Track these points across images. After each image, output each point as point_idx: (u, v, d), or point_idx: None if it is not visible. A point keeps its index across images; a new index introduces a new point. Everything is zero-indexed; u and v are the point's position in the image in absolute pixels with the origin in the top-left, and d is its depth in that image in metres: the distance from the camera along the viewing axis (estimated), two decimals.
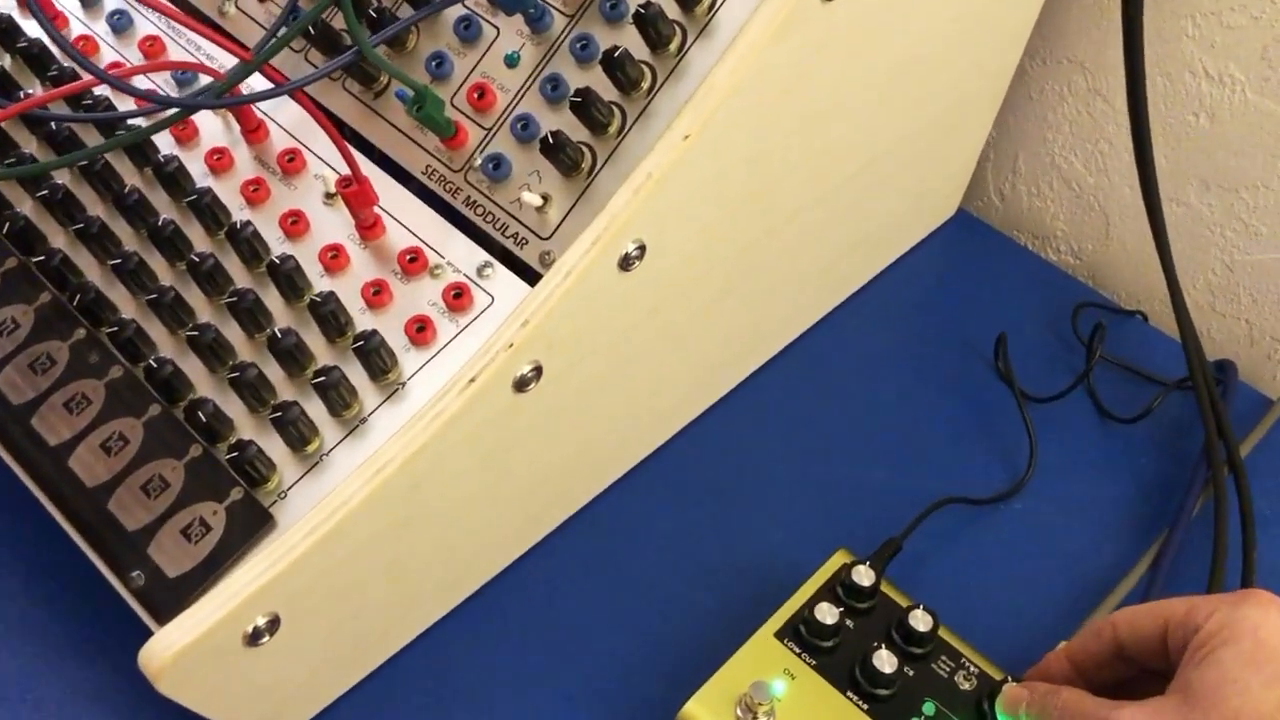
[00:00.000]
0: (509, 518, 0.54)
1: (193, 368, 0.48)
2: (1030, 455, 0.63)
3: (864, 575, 0.51)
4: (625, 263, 0.47)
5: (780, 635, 0.50)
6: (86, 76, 0.51)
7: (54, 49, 0.55)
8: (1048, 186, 0.77)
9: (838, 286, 0.69)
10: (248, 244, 0.49)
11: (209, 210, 0.50)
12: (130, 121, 0.52)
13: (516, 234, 0.49)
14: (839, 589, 0.51)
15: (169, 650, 0.40)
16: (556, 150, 0.47)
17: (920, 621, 0.49)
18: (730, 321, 0.59)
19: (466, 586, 0.55)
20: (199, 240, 0.50)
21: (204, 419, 0.45)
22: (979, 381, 0.68)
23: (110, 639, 0.51)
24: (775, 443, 0.63)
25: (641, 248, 0.47)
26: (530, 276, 0.48)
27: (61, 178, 0.52)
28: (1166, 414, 0.67)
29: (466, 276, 0.48)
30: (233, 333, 0.48)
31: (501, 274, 0.48)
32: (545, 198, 0.48)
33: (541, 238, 0.48)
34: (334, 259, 0.49)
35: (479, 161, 0.50)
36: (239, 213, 0.51)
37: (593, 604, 0.56)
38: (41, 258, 0.49)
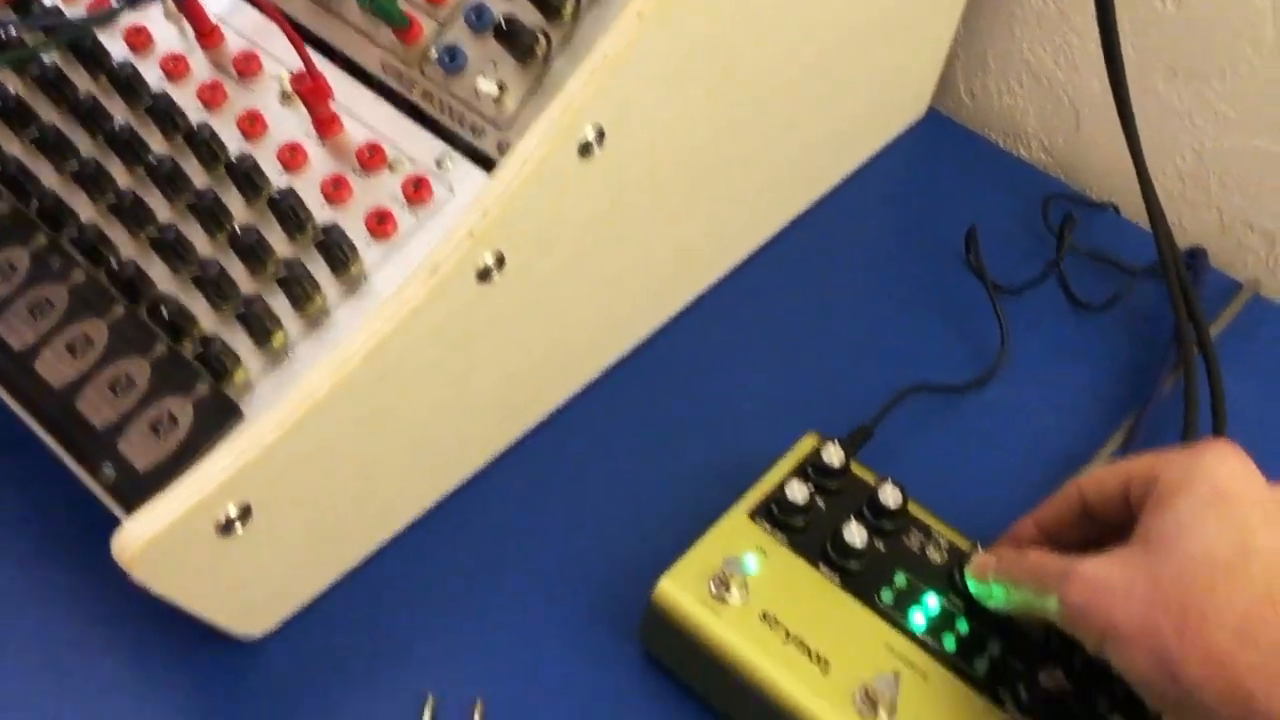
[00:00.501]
0: (481, 418, 0.54)
1: (156, 270, 0.48)
2: (1001, 344, 0.63)
3: (834, 454, 0.51)
4: (585, 149, 0.47)
5: (752, 515, 0.50)
6: None
7: None
8: (1017, 83, 0.77)
9: (808, 186, 0.69)
10: (206, 145, 0.49)
11: (166, 114, 0.50)
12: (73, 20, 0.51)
13: (474, 125, 0.49)
14: (809, 470, 0.51)
15: (141, 538, 0.41)
16: (511, 36, 0.47)
17: (889, 496, 0.50)
18: (700, 218, 0.59)
19: (442, 485, 0.55)
20: (157, 144, 0.50)
21: (167, 315, 0.45)
22: (951, 276, 0.68)
23: (83, 540, 0.51)
24: (748, 341, 0.64)
25: (600, 133, 0.47)
26: (490, 167, 0.48)
27: (15, 87, 0.52)
28: (1138, 302, 0.67)
29: (425, 169, 0.48)
30: (194, 234, 0.48)
31: (461, 165, 0.48)
32: (501, 86, 0.48)
33: (499, 127, 0.48)
34: (292, 157, 0.49)
35: (434, 54, 0.49)
36: (196, 115, 0.50)
37: (568, 501, 0.56)
38: None
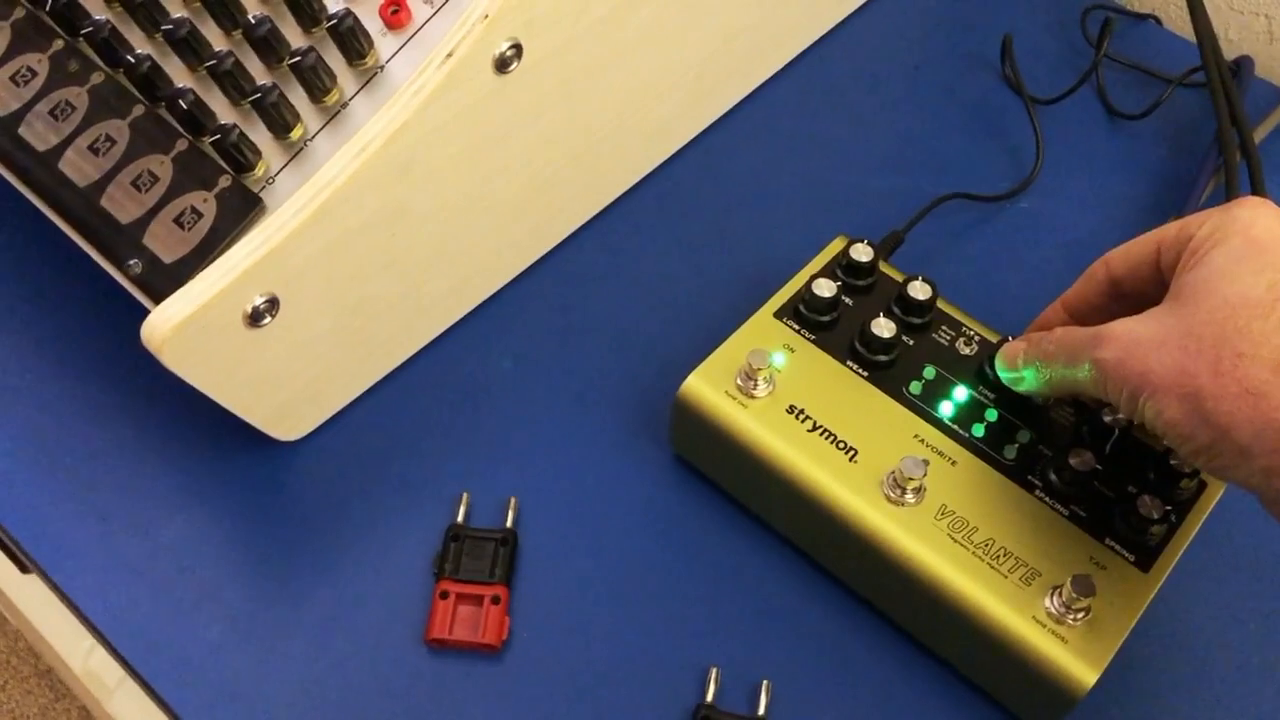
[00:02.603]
0: (509, 225, 0.54)
1: (172, 66, 0.47)
2: (1036, 154, 0.62)
3: (862, 252, 0.50)
4: None
5: (779, 314, 0.50)
6: None
7: None
8: None
9: None
10: None
11: None
12: None
13: None
14: (838, 269, 0.51)
15: (170, 321, 0.41)
16: None
17: (919, 291, 0.49)
18: (729, 21, 0.57)
19: (473, 295, 0.55)
20: None
21: (185, 107, 0.44)
22: (986, 87, 0.66)
23: (117, 344, 0.52)
24: (781, 155, 0.63)
25: None
26: None
27: None
28: (1177, 111, 0.65)
29: None
30: (208, 29, 0.47)
31: None
32: None
33: None
34: None
35: None
36: None
37: (600, 309, 0.56)
38: None
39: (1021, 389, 0.46)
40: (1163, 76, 0.66)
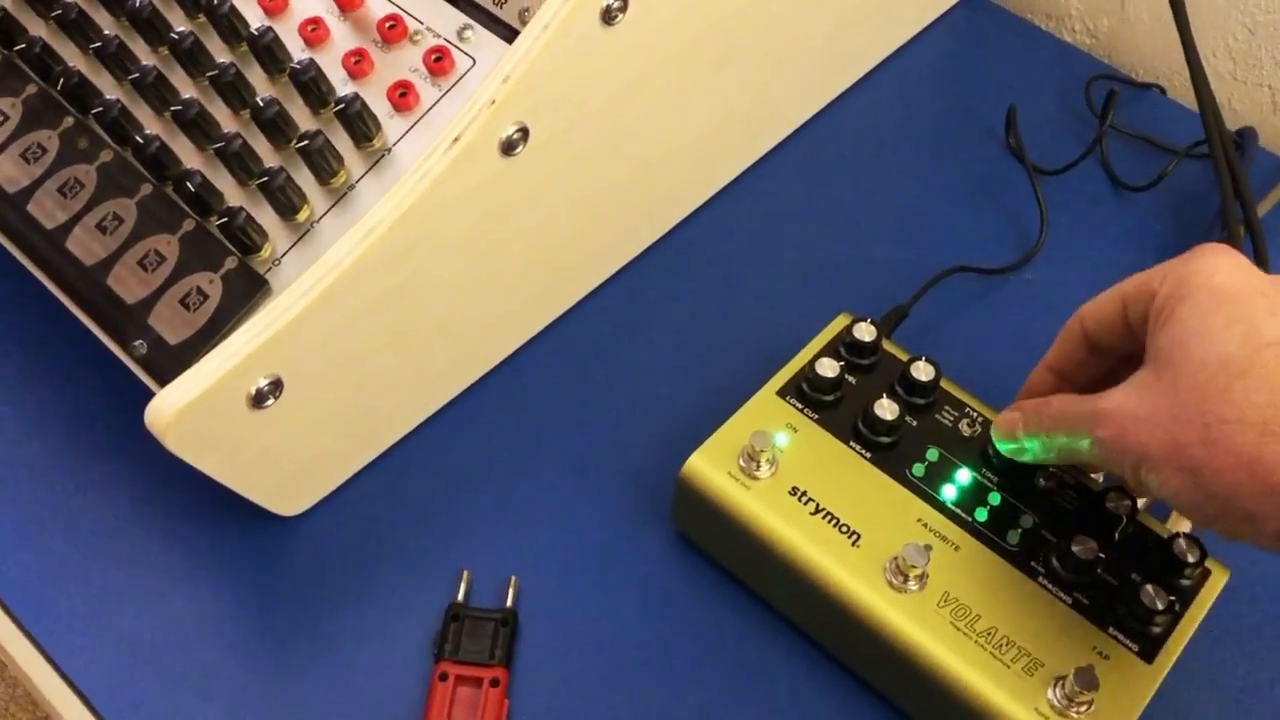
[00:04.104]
0: (512, 300, 0.54)
1: (181, 146, 0.47)
2: (1041, 226, 0.62)
3: (865, 331, 0.50)
4: (608, 15, 0.46)
5: (782, 393, 0.50)
6: None
7: None
8: None
9: (846, 67, 0.67)
10: (227, 21, 0.48)
11: None
12: None
13: None
14: (841, 347, 0.51)
15: (173, 406, 0.41)
16: None
17: (922, 372, 0.49)
18: (731, 95, 0.58)
19: (476, 368, 0.55)
20: (178, 21, 0.50)
21: (193, 189, 0.45)
22: (990, 158, 0.66)
23: (119, 420, 0.52)
24: (785, 224, 0.63)
25: None
26: (512, 37, 0.47)
27: None
28: (1181, 183, 0.65)
29: (446, 40, 0.47)
30: (218, 110, 0.48)
31: (482, 35, 0.47)
32: None
33: None
34: (314, 31, 0.48)
35: None
36: None
37: (602, 383, 0.56)
38: (23, 46, 0.49)
39: (1026, 459, 0.45)
40: (1167, 147, 0.66)
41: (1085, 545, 0.45)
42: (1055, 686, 0.42)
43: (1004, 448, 0.46)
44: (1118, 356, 0.43)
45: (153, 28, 0.49)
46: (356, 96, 0.45)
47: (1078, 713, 0.42)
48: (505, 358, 0.56)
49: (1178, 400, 0.36)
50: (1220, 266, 0.38)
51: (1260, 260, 0.59)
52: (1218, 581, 0.46)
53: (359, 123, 0.45)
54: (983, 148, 0.67)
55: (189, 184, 0.45)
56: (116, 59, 0.48)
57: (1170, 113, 0.69)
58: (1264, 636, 0.49)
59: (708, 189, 0.62)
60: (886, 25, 0.68)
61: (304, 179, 0.46)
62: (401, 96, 0.46)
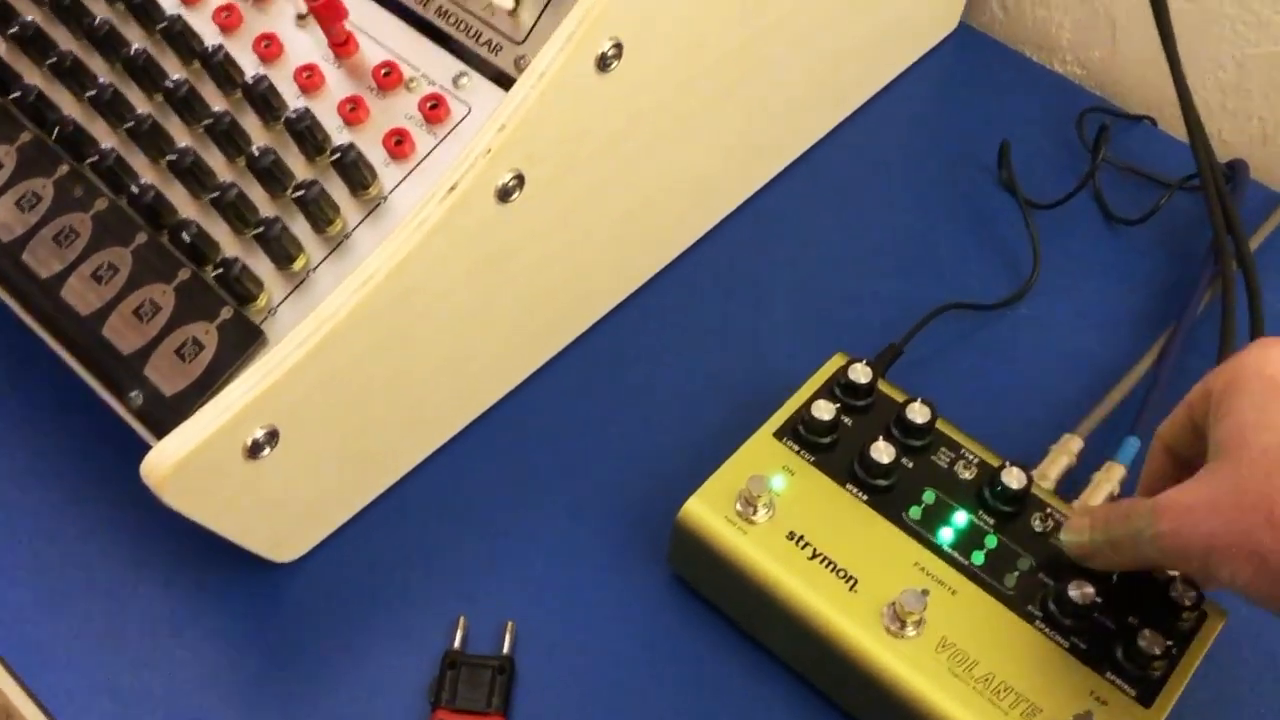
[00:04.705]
0: (508, 341, 0.54)
1: (176, 195, 0.48)
2: (1034, 261, 0.62)
3: (861, 373, 0.50)
4: (603, 63, 0.46)
5: (779, 435, 0.50)
6: None
7: None
8: None
9: (837, 103, 0.68)
10: (222, 69, 0.48)
11: (181, 38, 0.49)
12: None
13: (491, 41, 0.48)
14: (836, 389, 0.51)
15: (169, 460, 0.41)
16: None
17: (918, 414, 0.49)
18: (726, 135, 0.58)
19: (471, 410, 0.55)
20: (173, 69, 0.50)
21: (189, 240, 0.45)
22: (983, 192, 0.67)
23: (114, 468, 0.52)
24: (777, 262, 0.63)
25: (619, 46, 0.46)
26: (508, 84, 0.47)
27: (33, 15, 0.51)
28: (1174, 216, 0.66)
29: (442, 87, 0.48)
30: (213, 158, 0.48)
31: (478, 83, 0.48)
32: (516, 0, 0.47)
33: (516, 42, 0.47)
34: (309, 79, 0.48)
35: None
36: (212, 39, 0.50)
37: (597, 425, 0.56)
38: (18, 94, 0.49)
39: (1096, 565, 0.45)
40: (1160, 180, 0.66)
41: (1082, 589, 0.45)
42: None
43: (1073, 548, 0.45)
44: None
45: (147, 75, 0.49)
46: (352, 145, 0.45)
47: None
48: (500, 399, 0.56)
49: (1239, 487, 0.37)
50: (1271, 358, 0.38)
51: (1252, 293, 0.59)
52: (1215, 624, 0.46)
53: (355, 171, 0.45)
54: (976, 181, 0.67)
55: (184, 234, 0.45)
56: (111, 107, 0.48)
57: (1162, 145, 0.70)
58: (1263, 680, 0.49)
59: (700, 227, 0.62)
60: (878, 60, 0.69)
61: (300, 228, 0.46)
62: (397, 144, 0.46)
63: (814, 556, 0.47)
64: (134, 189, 0.46)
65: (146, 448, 0.42)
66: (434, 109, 0.47)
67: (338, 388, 0.45)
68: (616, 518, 0.53)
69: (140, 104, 0.49)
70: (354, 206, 0.46)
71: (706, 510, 0.48)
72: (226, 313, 0.45)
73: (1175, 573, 0.45)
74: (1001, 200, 0.66)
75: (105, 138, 0.49)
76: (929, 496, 0.48)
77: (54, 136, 0.49)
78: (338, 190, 0.46)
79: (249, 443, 0.43)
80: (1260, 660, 0.50)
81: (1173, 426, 0.44)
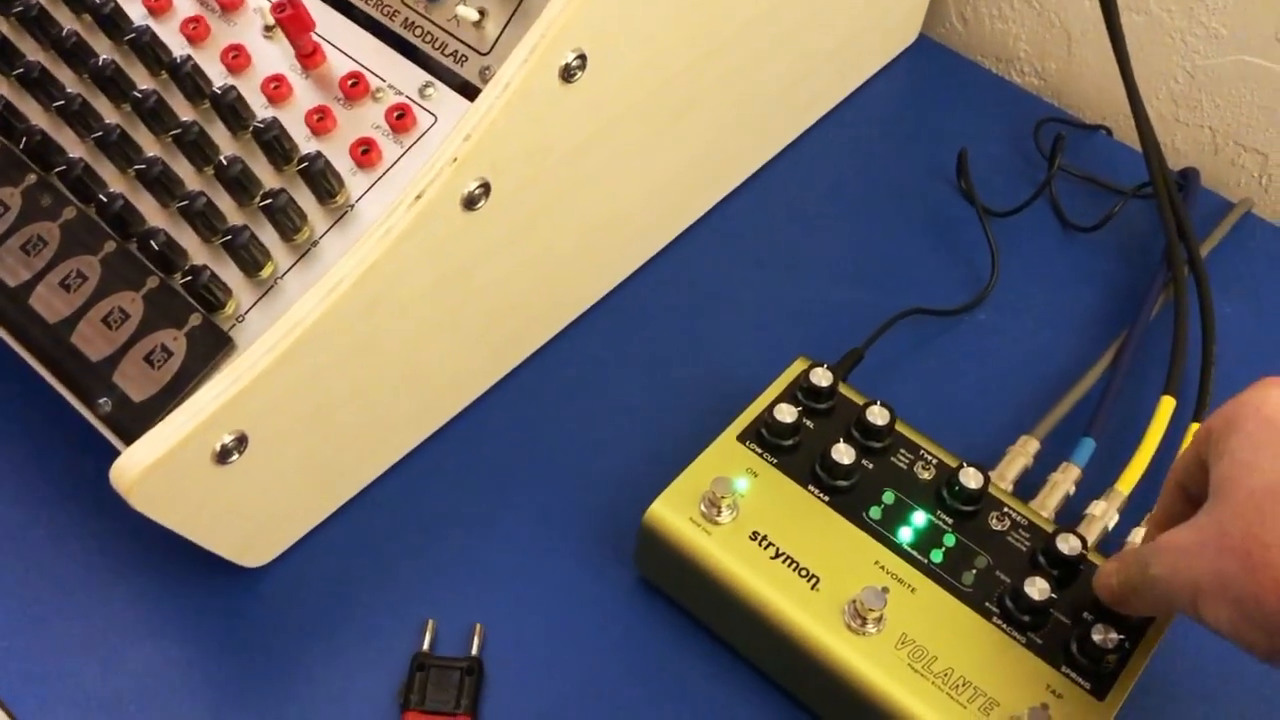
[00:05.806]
0: (476, 348, 0.55)
1: (145, 203, 0.48)
2: (993, 267, 0.64)
3: (822, 376, 0.51)
4: (567, 74, 0.47)
5: (742, 438, 0.51)
6: None
7: None
8: (1009, 6, 0.76)
9: (798, 114, 0.69)
10: (190, 79, 0.49)
11: (149, 49, 0.50)
12: None
13: (456, 52, 0.49)
14: (799, 392, 0.52)
15: (138, 466, 0.41)
16: None
17: (878, 416, 0.50)
18: (688, 145, 0.59)
19: (438, 416, 0.56)
20: (141, 79, 0.50)
21: (157, 248, 0.45)
22: (942, 200, 0.68)
23: (84, 474, 0.52)
24: (740, 269, 0.64)
25: (582, 57, 0.47)
26: (473, 94, 0.48)
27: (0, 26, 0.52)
28: (1129, 223, 0.67)
29: (408, 98, 0.48)
30: (181, 167, 0.48)
31: (444, 93, 0.48)
32: (482, 11, 0.48)
33: (481, 53, 0.48)
34: (276, 89, 0.49)
35: None
36: (180, 50, 0.50)
37: (563, 429, 0.57)
38: None
39: (1129, 612, 0.45)
40: (1115, 188, 0.68)
41: (1037, 586, 0.46)
42: None
43: (1101, 593, 0.45)
44: None
45: (116, 86, 0.49)
46: (319, 154, 0.46)
47: None
48: (468, 405, 0.57)
49: (1223, 530, 0.36)
50: (1269, 398, 0.38)
51: (1203, 297, 0.61)
52: (1166, 619, 0.47)
53: (322, 180, 0.46)
54: (935, 190, 0.68)
55: (153, 242, 0.45)
56: (80, 117, 0.49)
57: (1117, 153, 0.71)
58: (1213, 672, 0.51)
59: (665, 236, 0.63)
60: (839, 72, 0.70)
61: (267, 236, 0.46)
62: (364, 154, 0.47)
63: (776, 556, 0.48)
64: (102, 198, 0.47)
65: (116, 454, 0.42)
66: (400, 119, 0.47)
67: (306, 393, 0.46)
68: (583, 522, 0.54)
69: (108, 114, 0.50)
70: (321, 215, 0.47)
71: (671, 512, 0.49)
72: (195, 319, 0.45)
73: None
74: (961, 208, 0.67)
75: (73, 147, 0.50)
76: (889, 497, 0.49)
77: (21, 146, 0.49)
78: (305, 199, 0.47)
79: (218, 448, 0.43)
80: (1208, 654, 0.51)
81: (1183, 462, 0.43)
